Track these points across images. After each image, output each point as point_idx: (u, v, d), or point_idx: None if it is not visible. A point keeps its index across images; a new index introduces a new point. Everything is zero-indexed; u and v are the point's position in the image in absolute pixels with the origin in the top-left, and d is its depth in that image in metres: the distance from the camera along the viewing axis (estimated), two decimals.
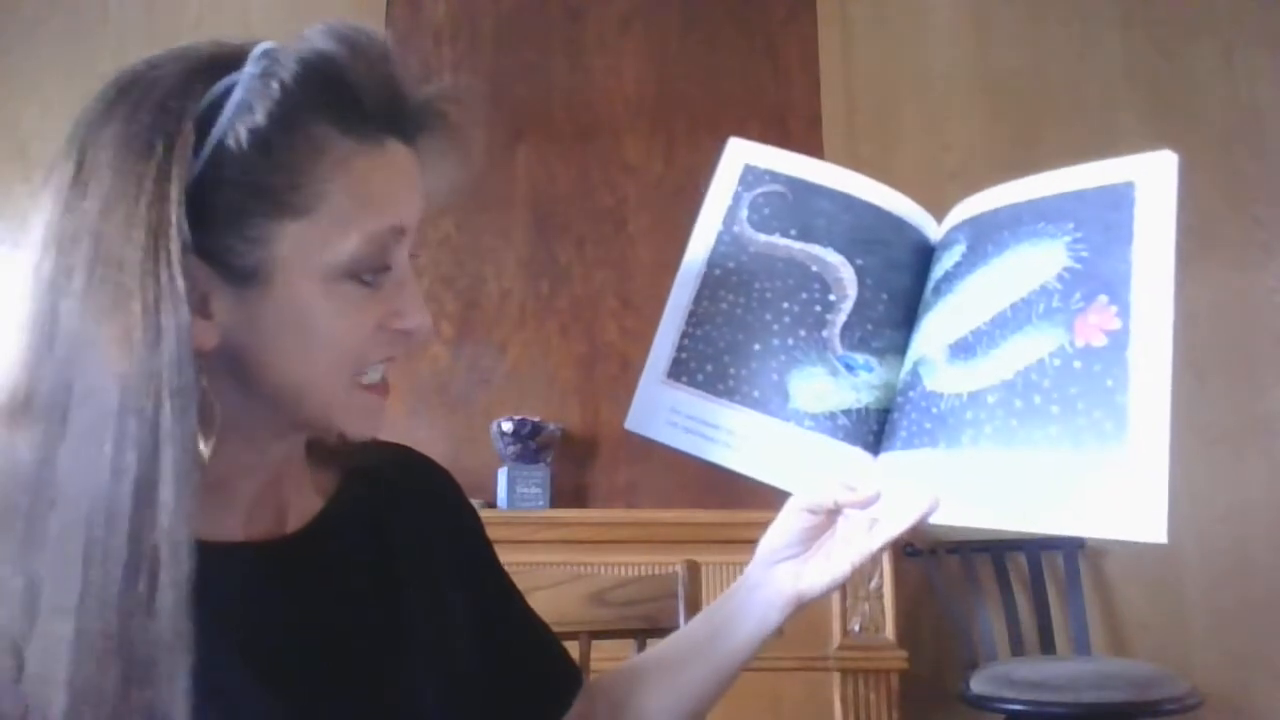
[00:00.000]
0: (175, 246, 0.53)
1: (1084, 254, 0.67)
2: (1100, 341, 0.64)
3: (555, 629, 0.83)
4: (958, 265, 0.74)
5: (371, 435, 0.64)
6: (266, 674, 0.61)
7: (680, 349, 0.78)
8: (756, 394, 0.75)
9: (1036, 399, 0.64)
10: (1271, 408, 2.65)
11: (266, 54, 0.57)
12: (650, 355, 0.79)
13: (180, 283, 0.53)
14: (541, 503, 2.41)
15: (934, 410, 0.69)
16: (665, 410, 0.77)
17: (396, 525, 0.73)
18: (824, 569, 0.72)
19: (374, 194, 0.59)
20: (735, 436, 0.75)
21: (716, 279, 0.79)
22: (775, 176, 0.82)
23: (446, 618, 0.72)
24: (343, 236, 0.57)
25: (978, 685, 2.19)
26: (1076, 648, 2.48)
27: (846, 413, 0.73)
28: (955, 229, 0.76)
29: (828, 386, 0.74)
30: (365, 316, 0.60)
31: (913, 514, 0.66)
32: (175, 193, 0.53)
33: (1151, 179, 0.68)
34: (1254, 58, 2.80)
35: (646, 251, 2.71)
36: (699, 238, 0.81)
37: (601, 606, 0.99)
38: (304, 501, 0.69)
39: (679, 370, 0.78)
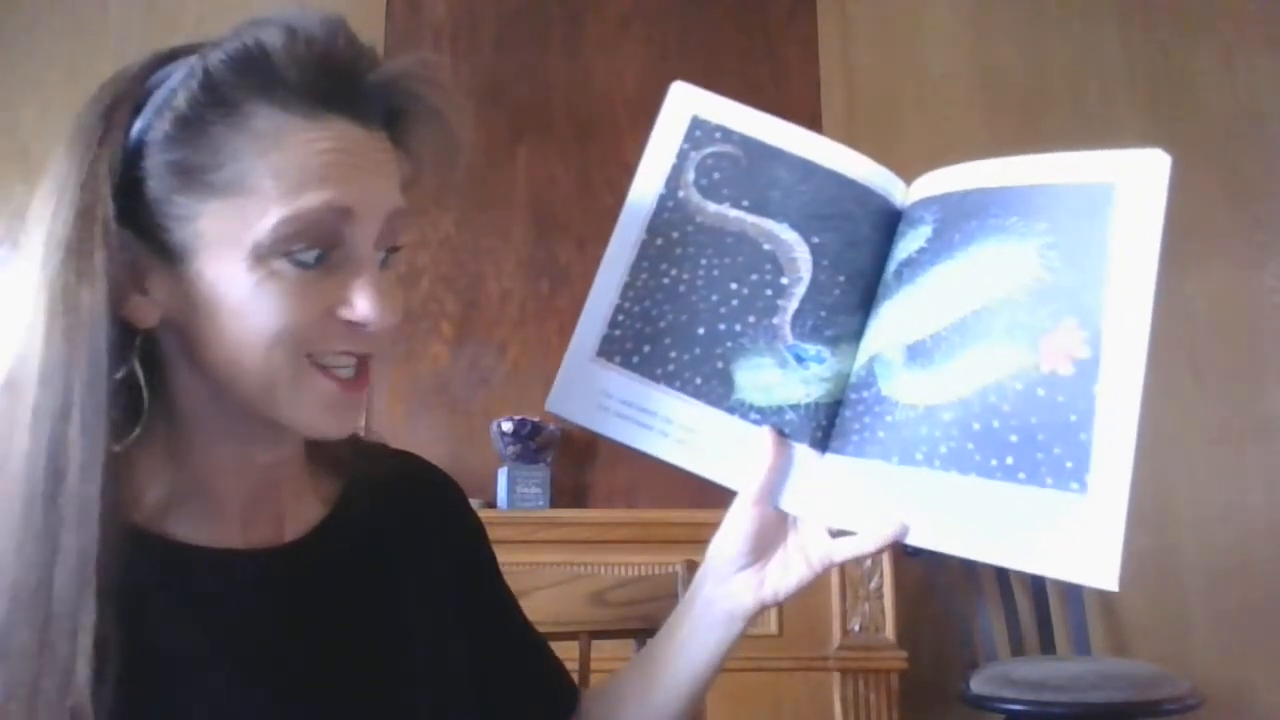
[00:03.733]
0: (99, 225, 0.55)
1: (1056, 264, 0.62)
2: (1067, 370, 0.60)
3: (555, 629, 0.83)
4: (922, 251, 0.69)
5: (335, 432, 0.61)
6: (261, 680, 0.61)
7: (614, 324, 0.71)
8: (699, 381, 0.69)
9: (995, 423, 0.61)
10: (1271, 408, 2.65)
11: (208, 48, 0.58)
12: (578, 328, 0.71)
13: (101, 256, 0.55)
14: (541, 503, 2.41)
15: (888, 419, 0.65)
16: (595, 392, 0.69)
17: (399, 537, 0.72)
18: (784, 575, 0.68)
19: (303, 171, 0.56)
20: (674, 426, 0.68)
21: (658, 249, 0.71)
22: (728, 134, 0.74)
23: (444, 632, 0.72)
24: (264, 213, 0.56)
25: (978, 685, 2.19)
26: (1076, 648, 2.48)
27: (794, 407, 0.68)
28: (922, 204, 0.71)
29: (775, 378, 0.68)
30: (303, 301, 0.57)
31: (881, 537, 0.64)
32: (104, 171, 0.56)
33: (1135, 183, 0.62)
34: (1254, 58, 2.80)
35: None
36: (639, 198, 0.73)
37: (601, 606, 0.98)
38: (304, 509, 0.69)
39: (612, 348, 0.70)
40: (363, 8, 2.78)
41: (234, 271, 0.56)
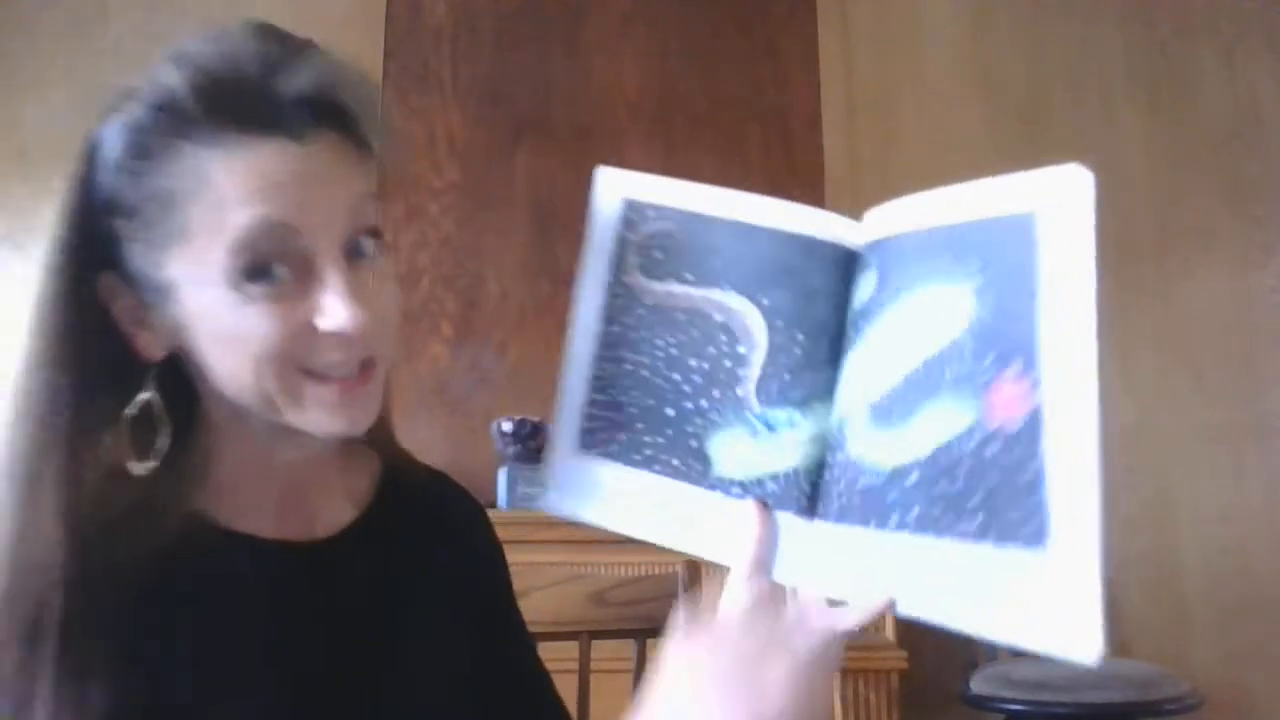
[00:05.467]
0: (69, 280, 0.61)
1: (990, 306, 0.58)
2: (1015, 424, 0.55)
3: (555, 629, 0.84)
4: (873, 299, 0.65)
5: (345, 430, 0.63)
6: (279, 667, 0.64)
7: (588, 418, 0.71)
8: (675, 462, 0.68)
9: (956, 485, 0.57)
10: (1271, 408, 2.65)
11: (130, 99, 0.60)
12: (556, 425, 0.72)
13: (75, 286, 0.61)
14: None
15: (859, 484, 0.62)
16: (592, 485, 0.70)
17: (423, 552, 0.75)
18: None
19: (234, 200, 0.57)
20: (667, 510, 0.68)
21: (615, 336, 0.71)
22: (662, 211, 0.72)
23: (452, 650, 0.73)
24: (214, 248, 0.58)
25: (978, 685, 2.19)
26: None
27: (774, 477, 0.66)
28: (870, 247, 0.67)
29: (750, 449, 0.66)
30: (278, 320, 0.59)
31: (868, 610, 0.61)
32: (73, 229, 0.61)
33: (1057, 207, 0.57)
34: (1254, 58, 2.80)
35: None
36: (588, 290, 0.73)
37: (601, 606, 0.99)
38: (335, 509, 0.72)
39: (591, 440, 0.70)
40: (363, 9, 2.79)
41: (210, 303, 0.59)
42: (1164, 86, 2.79)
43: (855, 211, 0.68)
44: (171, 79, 0.58)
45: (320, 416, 0.61)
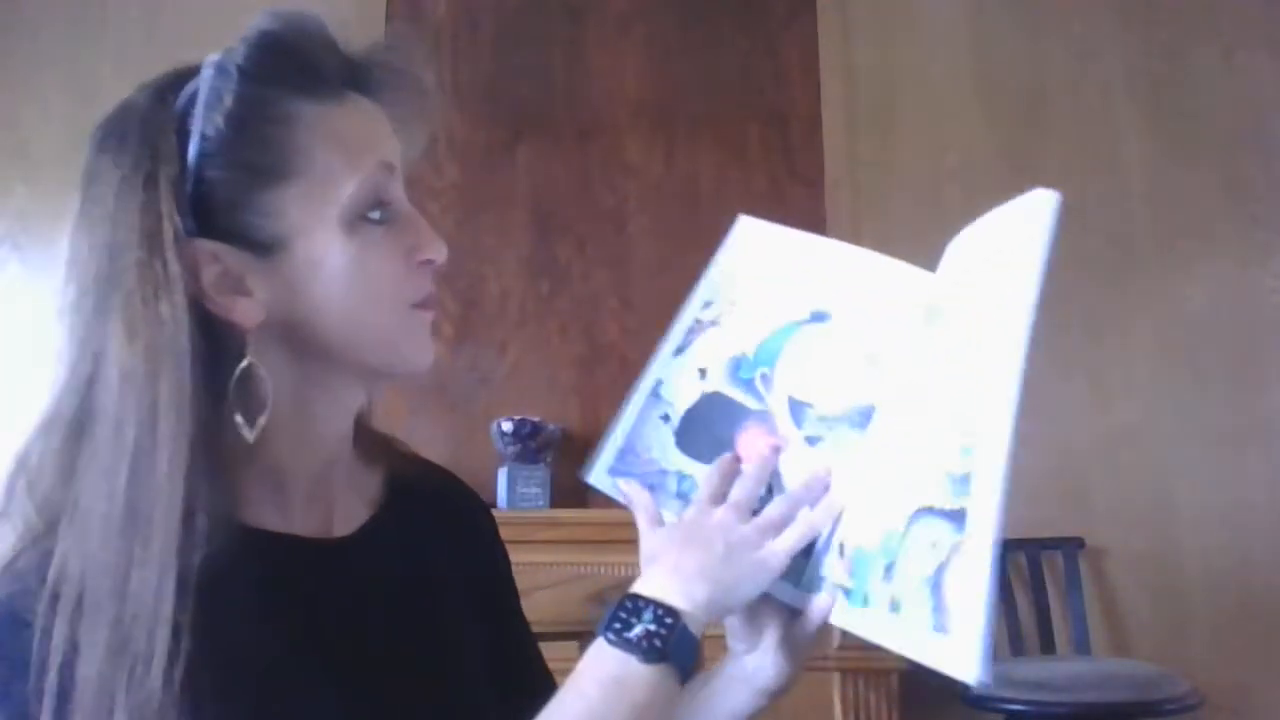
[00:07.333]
0: (168, 239, 0.58)
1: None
2: None
3: (555, 629, 0.84)
4: None
5: (428, 362, 0.67)
6: (305, 651, 0.63)
7: None
8: None
9: None
10: (1271, 408, 2.65)
11: (221, 54, 0.62)
12: None
13: (175, 268, 0.58)
14: (541, 502, 2.41)
15: None
16: None
17: (436, 550, 0.76)
18: (780, 662, 0.75)
19: (353, 141, 0.63)
20: None
21: None
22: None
23: (472, 640, 0.74)
24: (338, 185, 0.62)
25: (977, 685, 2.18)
26: (1076, 648, 2.48)
27: None
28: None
29: None
30: (392, 254, 0.64)
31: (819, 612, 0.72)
32: (164, 191, 0.58)
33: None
34: (1254, 58, 2.80)
35: (646, 251, 2.71)
36: None
37: (601, 606, 0.98)
38: (351, 507, 0.72)
39: None
40: (363, 8, 2.78)
41: (332, 244, 0.62)
42: (1164, 86, 2.79)
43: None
44: (289, 35, 0.62)
45: (417, 349, 0.66)
